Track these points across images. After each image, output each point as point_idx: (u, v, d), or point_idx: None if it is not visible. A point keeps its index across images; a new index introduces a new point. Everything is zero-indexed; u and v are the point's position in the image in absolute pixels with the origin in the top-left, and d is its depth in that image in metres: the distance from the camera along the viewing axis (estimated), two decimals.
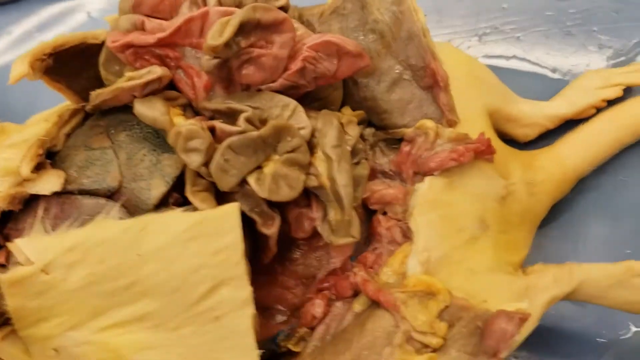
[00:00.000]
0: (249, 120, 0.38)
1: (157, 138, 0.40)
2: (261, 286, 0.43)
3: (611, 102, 0.50)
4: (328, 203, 0.40)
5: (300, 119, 0.40)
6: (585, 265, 0.43)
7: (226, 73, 0.39)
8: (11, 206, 0.38)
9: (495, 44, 0.54)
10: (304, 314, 0.43)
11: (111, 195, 0.38)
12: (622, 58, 0.52)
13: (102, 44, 0.41)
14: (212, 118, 0.39)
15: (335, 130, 0.40)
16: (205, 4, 0.40)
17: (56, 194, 0.38)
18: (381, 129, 0.44)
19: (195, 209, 0.37)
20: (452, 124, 0.43)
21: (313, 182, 0.39)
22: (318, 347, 0.42)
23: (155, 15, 0.40)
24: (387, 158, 0.44)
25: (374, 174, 0.44)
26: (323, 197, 0.40)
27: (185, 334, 0.37)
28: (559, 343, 0.47)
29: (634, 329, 0.47)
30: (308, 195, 0.41)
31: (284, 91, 0.40)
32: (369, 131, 0.44)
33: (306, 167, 0.39)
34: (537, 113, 0.50)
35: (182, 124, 0.37)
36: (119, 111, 0.41)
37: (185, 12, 0.40)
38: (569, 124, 0.50)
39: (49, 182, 0.38)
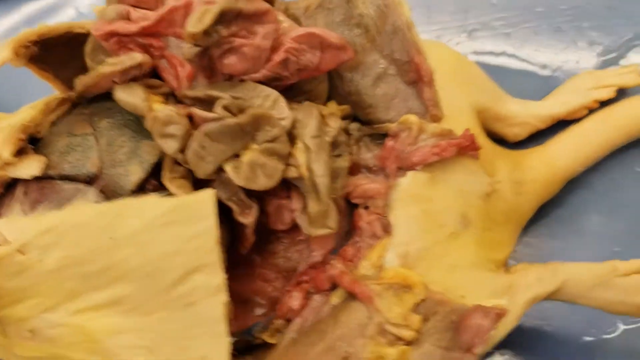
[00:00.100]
0: (226, 108, 0.38)
1: (138, 125, 0.40)
2: (241, 278, 0.43)
3: (604, 103, 0.49)
4: (307, 194, 0.40)
5: (281, 110, 0.40)
6: (570, 264, 0.42)
7: (207, 62, 0.39)
8: None
9: (485, 40, 0.54)
10: (281, 306, 0.43)
11: (90, 180, 0.39)
12: (613, 55, 0.52)
13: (89, 33, 0.41)
14: (193, 106, 0.40)
15: (315, 120, 0.40)
16: None
17: (36, 179, 0.39)
18: (366, 123, 0.44)
19: (171, 196, 0.38)
20: (436, 119, 0.43)
21: (293, 172, 0.39)
22: (294, 338, 0.41)
23: (141, 5, 0.41)
24: (371, 153, 0.44)
25: (358, 169, 0.44)
26: (303, 189, 0.40)
27: (158, 319, 0.37)
28: (546, 342, 0.46)
29: (622, 327, 0.46)
30: (289, 187, 0.41)
31: (266, 83, 0.40)
32: (354, 126, 0.44)
33: (285, 158, 0.39)
34: (527, 112, 0.49)
35: (160, 109, 0.38)
36: (105, 99, 0.41)
37: (170, 3, 0.40)
38: (560, 125, 0.49)
39: (30, 167, 0.38)
